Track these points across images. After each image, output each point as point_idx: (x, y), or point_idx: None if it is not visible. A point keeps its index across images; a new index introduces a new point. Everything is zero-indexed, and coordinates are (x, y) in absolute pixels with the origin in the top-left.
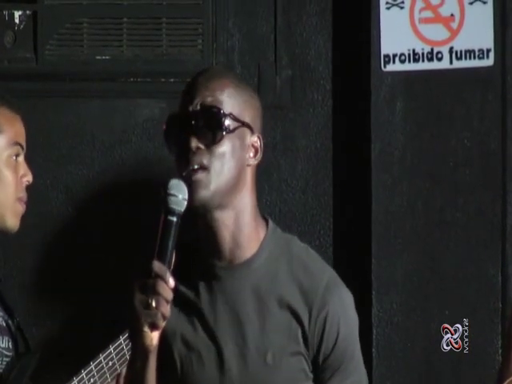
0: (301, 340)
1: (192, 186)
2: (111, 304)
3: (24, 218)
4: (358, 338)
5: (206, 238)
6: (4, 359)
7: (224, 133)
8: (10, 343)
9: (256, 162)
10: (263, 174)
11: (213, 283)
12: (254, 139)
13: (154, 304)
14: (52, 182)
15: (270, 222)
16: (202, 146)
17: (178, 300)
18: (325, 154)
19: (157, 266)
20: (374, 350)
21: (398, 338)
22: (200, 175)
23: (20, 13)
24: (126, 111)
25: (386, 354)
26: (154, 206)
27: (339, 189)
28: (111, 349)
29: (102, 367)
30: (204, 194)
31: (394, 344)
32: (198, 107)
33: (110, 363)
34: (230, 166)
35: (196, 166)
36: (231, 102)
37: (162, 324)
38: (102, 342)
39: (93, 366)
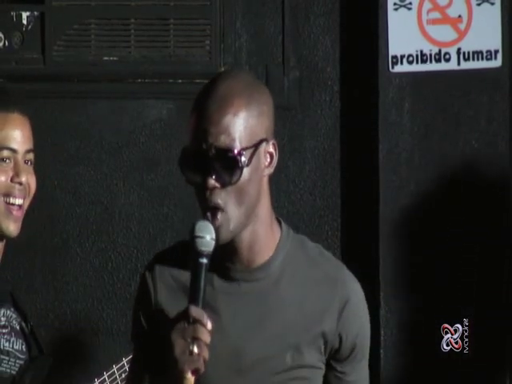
0: (320, 340)
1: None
2: (122, 307)
3: (32, 219)
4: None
5: (223, 246)
6: (17, 361)
7: (241, 171)
8: (23, 346)
9: (272, 170)
10: (271, 175)
11: (230, 286)
12: (269, 148)
13: (195, 350)
14: (60, 183)
15: (283, 224)
16: (218, 186)
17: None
18: (332, 154)
19: (193, 310)
20: (381, 350)
21: (405, 339)
22: (218, 220)
23: (28, 14)
24: (133, 112)
25: (394, 355)
26: (162, 206)
27: (347, 189)
28: (115, 369)
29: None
30: (226, 235)
31: (402, 345)
32: (214, 151)
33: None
34: (248, 196)
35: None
36: (245, 131)
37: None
38: (112, 345)
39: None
